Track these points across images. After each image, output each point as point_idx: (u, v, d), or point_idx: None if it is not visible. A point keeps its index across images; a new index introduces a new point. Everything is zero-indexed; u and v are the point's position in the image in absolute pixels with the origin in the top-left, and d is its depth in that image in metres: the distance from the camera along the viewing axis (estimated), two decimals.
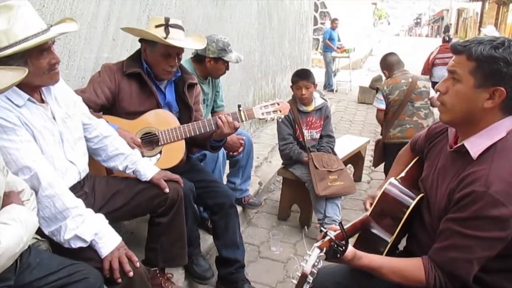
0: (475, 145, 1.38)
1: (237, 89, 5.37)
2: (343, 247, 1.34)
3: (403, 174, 1.75)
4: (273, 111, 2.52)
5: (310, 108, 3.43)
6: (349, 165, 4.78)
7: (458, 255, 1.34)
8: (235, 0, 5.03)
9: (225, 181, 3.48)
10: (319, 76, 10.68)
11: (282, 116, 2.55)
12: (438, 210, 1.45)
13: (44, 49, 1.68)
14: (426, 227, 1.55)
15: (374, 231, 1.55)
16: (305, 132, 3.45)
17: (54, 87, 1.85)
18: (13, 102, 1.66)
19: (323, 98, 3.57)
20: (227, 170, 3.48)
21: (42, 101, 1.82)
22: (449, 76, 1.42)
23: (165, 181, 2.12)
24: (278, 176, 4.61)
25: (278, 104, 2.54)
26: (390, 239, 1.51)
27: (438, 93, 1.47)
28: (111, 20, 2.90)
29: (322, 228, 1.44)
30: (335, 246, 1.33)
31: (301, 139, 3.46)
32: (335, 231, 1.44)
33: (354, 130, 7.29)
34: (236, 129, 2.42)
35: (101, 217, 1.77)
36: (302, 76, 3.35)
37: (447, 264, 1.36)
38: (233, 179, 3.49)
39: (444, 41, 8.03)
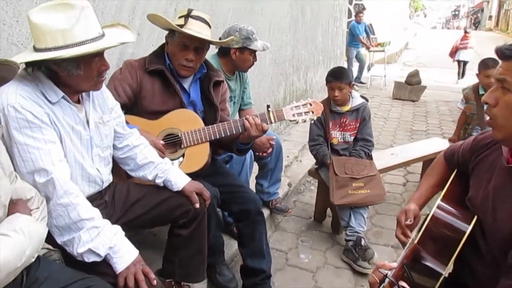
0: None
1: (268, 85, 5.19)
2: None
3: (443, 191, 1.54)
4: (305, 112, 2.33)
5: (345, 108, 3.19)
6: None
7: None
8: None
9: (253, 181, 3.33)
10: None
11: (315, 118, 2.35)
12: (501, 238, 1.24)
13: (97, 54, 1.59)
14: (481, 254, 1.34)
15: (425, 262, 1.34)
16: (338, 133, 3.23)
17: None
18: (46, 98, 1.58)
19: (364, 98, 3.29)
20: (256, 170, 3.32)
21: (78, 102, 1.73)
22: (498, 86, 1.21)
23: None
24: (309, 177, 4.44)
25: (311, 104, 2.34)
26: (444, 271, 1.31)
27: (486, 105, 1.26)
28: (136, 13, 2.77)
29: (382, 271, 1.23)
30: None
31: (331, 141, 3.26)
32: (390, 269, 1.23)
33: (388, 127, 6.99)
34: (264, 131, 2.25)
35: (117, 229, 1.64)
36: (335, 76, 3.11)
37: None
38: (261, 181, 3.33)
39: (465, 31, 11.40)
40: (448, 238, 1.34)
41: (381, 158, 3.89)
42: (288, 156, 4.67)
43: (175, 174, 1.99)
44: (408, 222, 1.52)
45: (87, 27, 1.55)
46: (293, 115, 2.31)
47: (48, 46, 1.52)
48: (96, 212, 1.61)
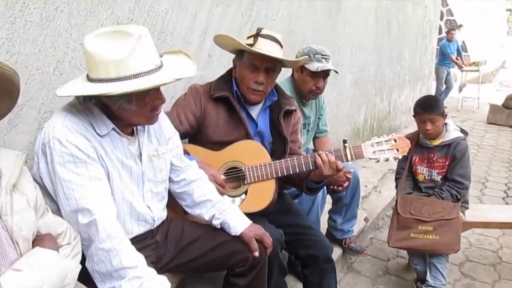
0: None
1: (347, 107, 4.86)
2: None
3: None
4: (388, 149, 2.02)
5: (435, 142, 2.78)
6: None
7: None
8: (350, 9, 4.54)
9: (326, 216, 3.03)
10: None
11: (400, 156, 2.03)
12: None
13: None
14: None
15: None
16: (424, 170, 2.81)
17: None
18: (95, 130, 1.45)
19: (463, 132, 2.82)
20: (329, 200, 3.02)
21: (132, 133, 1.59)
22: None
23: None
24: (388, 211, 4.03)
25: (395, 140, 2.03)
26: None
27: None
28: (208, 34, 2.63)
29: None
30: None
31: (416, 177, 2.88)
32: None
33: (482, 156, 6.30)
34: (339, 170, 1.97)
35: (162, 280, 1.46)
36: (426, 108, 2.69)
37: None
38: (334, 217, 3.01)
39: None
40: None
41: None
42: (366, 186, 4.29)
43: (233, 216, 1.78)
44: None
45: (143, 59, 1.39)
46: (374, 152, 2.01)
47: (100, 77, 1.38)
48: (140, 260, 1.44)
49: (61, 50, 1.83)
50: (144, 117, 1.51)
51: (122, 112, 1.46)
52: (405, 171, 2.87)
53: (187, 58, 1.61)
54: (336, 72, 2.70)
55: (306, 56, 2.39)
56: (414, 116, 2.77)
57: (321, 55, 2.55)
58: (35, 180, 1.41)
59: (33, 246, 1.26)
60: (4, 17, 1.60)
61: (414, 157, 2.85)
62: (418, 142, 2.83)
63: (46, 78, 1.79)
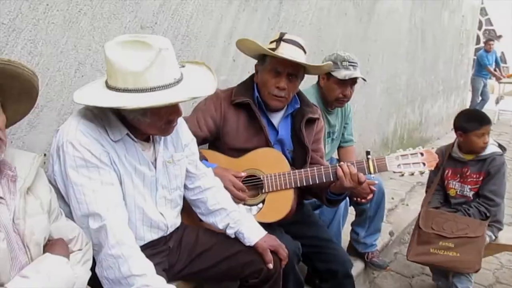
0: None
1: (376, 117, 4.74)
2: None
3: None
4: (414, 163, 1.93)
5: (469, 157, 2.66)
6: None
7: None
8: (383, 16, 4.44)
9: (348, 229, 2.93)
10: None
11: (426, 171, 1.94)
12: None
13: None
14: None
15: None
16: (457, 185, 2.70)
17: None
18: (109, 135, 1.43)
19: (501, 147, 2.69)
20: (351, 211, 2.92)
21: (148, 139, 1.57)
22: None
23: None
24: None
25: (422, 154, 1.93)
26: None
27: None
28: (233, 38, 2.59)
29: None
30: None
31: (448, 191, 2.76)
32: None
33: None
34: (360, 183, 1.89)
35: None
36: (484, 121, 2.60)
37: None
38: (357, 229, 2.92)
39: None
40: None
41: None
42: (393, 198, 4.17)
43: (248, 226, 1.73)
44: None
45: (162, 72, 1.36)
46: (398, 165, 1.93)
47: (118, 86, 1.37)
48: (149, 268, 1.41)
49: (83, 52, 1.83)
50: (158, 129, 1.49)
51: (136, 122, 1.45)
52: (434, 184, 2.78)
53: (209, 71, 1.57)
54: (364, 80, 2.62)
55: (330, 62, 2.32)
56: (464, 133, 2.63)
57: (349, 62, 2.48)
58: (50, 182, 1.41)
59: (44, 251, 1.26)
60: (27, 18, 1.61)
61: (447, 171, 2.75)
62: (450, 155, 2.72)
63: (67, 80, 1.79)
